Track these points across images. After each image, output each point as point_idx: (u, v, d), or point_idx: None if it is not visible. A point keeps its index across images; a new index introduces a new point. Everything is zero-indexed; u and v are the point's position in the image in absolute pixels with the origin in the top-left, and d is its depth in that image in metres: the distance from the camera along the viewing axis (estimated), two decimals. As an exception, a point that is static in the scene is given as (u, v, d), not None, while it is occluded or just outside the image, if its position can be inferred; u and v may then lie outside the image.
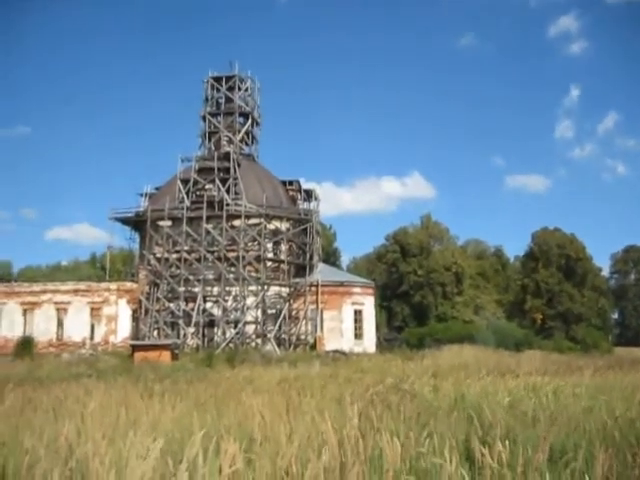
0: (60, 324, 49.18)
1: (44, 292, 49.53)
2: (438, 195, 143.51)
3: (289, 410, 8.39)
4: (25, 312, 49.07)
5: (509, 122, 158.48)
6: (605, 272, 78.21)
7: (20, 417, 8.80)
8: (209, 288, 47.50)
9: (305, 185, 56.86)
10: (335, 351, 42.26)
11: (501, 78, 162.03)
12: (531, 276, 70.95)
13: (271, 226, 49.24)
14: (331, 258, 70.53)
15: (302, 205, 54.73)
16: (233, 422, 7.48)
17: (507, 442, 5.61)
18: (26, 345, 41.69)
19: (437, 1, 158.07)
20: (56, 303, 49.07)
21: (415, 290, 67.66)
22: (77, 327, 48.51)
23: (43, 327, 48.28)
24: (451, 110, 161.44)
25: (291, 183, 55.21)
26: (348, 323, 49.43)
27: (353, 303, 50.04)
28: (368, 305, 51.14)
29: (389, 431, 6.02)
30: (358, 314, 50.11)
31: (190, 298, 47.25)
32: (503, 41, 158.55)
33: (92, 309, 48.98)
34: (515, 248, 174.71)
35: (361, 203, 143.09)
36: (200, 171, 49.44)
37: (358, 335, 49.67)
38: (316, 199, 55.24)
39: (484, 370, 17.14)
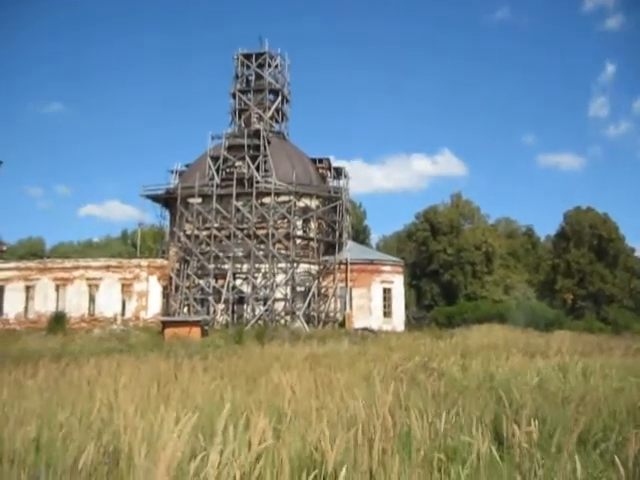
0: (92, 300, 49.83)
1: (76, 268, 50.15)
2: (469, 173, 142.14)
3: (318, 386, 8.45)
4: (58, 288, 49.77)
5: (542, 100, 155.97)
6: (638, 253, 77.04)
7: (54, 391, 8.96)
8: (239, 265, 47.74)
9: (335, 163, 56.68)
10: (364, 329, 42.29)
11: (534, 54, 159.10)
12: (562, 256, 70.19)
13: (301, 204, 49.21)
14: (360, 236, 70.42)
15: (332, 183, 54.57)
16: (263, 398, 7.56)
17: (536, 422, 5.59)
18: (59, 320, 42.36)
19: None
20: (88, 279, 49.68)
21: (445, 269, 67.32)
22: (108, 303, 49.12)
23: (75, 303, 48.95)
24: (483, 87, 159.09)
25: (321, 161, 55.08)
26: (377, 301, 49.46)
27: (382, 281, 50.02)
28: (397, 283, 51.07)
29: (417, 409, 6.03)
30: (387, 292, 50.10)
31: (220, 275, 47.55)
32: (537, 15, 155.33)
33: (123, 285, 49.52)
34: (546, 228, 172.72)
35: (391, 181, 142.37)
36: (230, 148, 49.51)
37: (387, 313, 49.69)
38: (346, 177, 55.12)
39: (513, 350, 17.07)
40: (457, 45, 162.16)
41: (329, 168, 55.00)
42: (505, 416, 6.18)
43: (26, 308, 49.84)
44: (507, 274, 71.26)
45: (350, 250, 50.72)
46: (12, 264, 52.20)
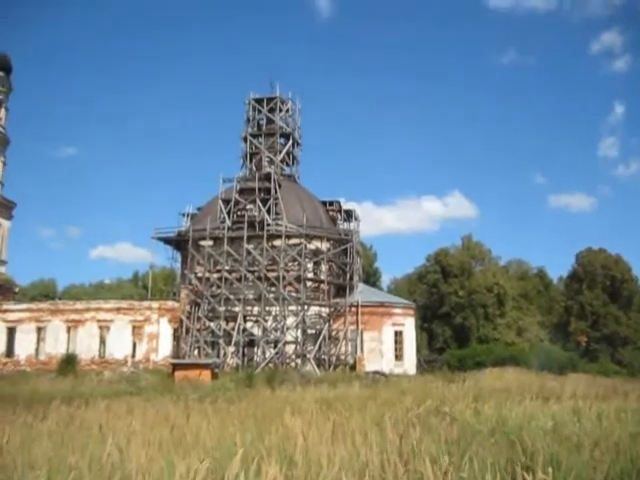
0: (103, 342, 49.80)
1: (87, 310, 50.23)
2: (479, 214, 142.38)
3: (329, 432, 8.37)
4: (69, 329, 49.81)
5: (551, 140, 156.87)
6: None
7: (64, 435, 8.92)
8: (249, 308, 47.68)
9: (345, 205, 56.85)
10: (375, 372, 41.97)
11: (543, 95, 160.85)
12: (575, 298, 69.77)
13: (311, 246, 49.31)
14: (371, 278, 70.31)
15: (342, 225, 54.75)
16: (274, 443, 7.50)
17: (551, 469, 5.52)
18: (69, 362, 42.27)
19: (479, 18, 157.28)
20: (99, 321, 49.72)
21: (456, 311, 66.97)
22: (119, 345, 49.04)
23: (86, 344, 48.91)
24: (492, 128, 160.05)
25: (331, 203, 55.30)
26: (388, 344, 49.15)
27: (393, 324, 49.77)
28: (409, 326, 50.79)
29: (429, 455, 5.97)
30: (398, 335, 49.80)
31: (230, 317, 47.45)
32: (545, 57, 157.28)
33: (134, 327, 49.47)
34: (559, 269, 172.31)
35: (402, 223, 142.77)
36: (241, 191, 49.84)
37: (398, 356, 49.34)
38: (356, 219, 55.27)
39: (527, 393, 16.88)
40: (467, 86, 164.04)
41: (339, 210, 55.17)
42: (519, 462, 6.10)
43: (37, 349, 49.90)
44: (519, 316, 70.75)
45: (361, 292, 50.59)
46: (24, 305, 52.48)
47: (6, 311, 51.12)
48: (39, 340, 50.11)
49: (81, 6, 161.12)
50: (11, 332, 50.46)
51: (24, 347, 49.87)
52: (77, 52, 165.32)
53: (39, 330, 50.17)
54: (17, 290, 62.05)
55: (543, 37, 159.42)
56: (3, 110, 60.68)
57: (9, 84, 61.33)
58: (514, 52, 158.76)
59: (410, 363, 49.44)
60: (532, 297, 76.39)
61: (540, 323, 72.46)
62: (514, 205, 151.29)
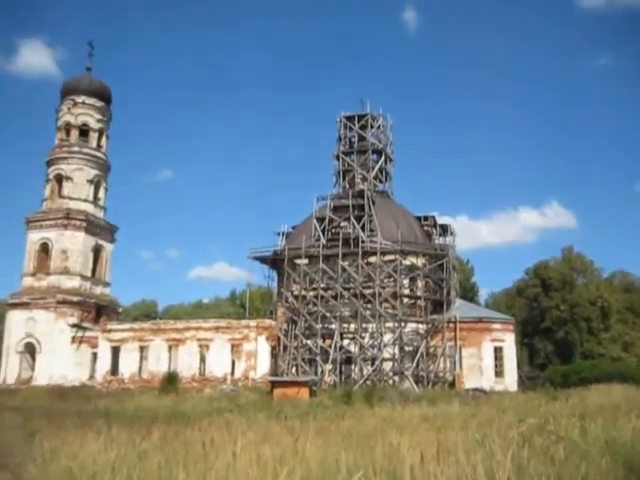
0: (202, 360, 50.86)
1: (188, 329, 51.43)
2: (579, 225, 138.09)
3: (433, 450, 8.17)
4: (170, 348, 51.11)
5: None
6: None
7: (170, 452, 9.07)
8: (346, 325, 47.66)
9: (440, 219, 56.27)
10: (475, 389, 41.14)
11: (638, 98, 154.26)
12: (685, 310, 66.59)
13: (407, 262, 48.94)
14: (469, 293, 69.22)
15: (438, 240, 54.11)
16: (378, 461, 7.38)
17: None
18: (171, 380, 43.33)
19: (572, 22, 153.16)
20: (199, 340, 50.78)
21: (558, 326, 65.08)
22: (218, 363, 49.91)
23: (187, 363, 50.04)
24: (590, 134, 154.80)
25: (426, 218, 54.81)
26: (488, 360, 48.03)
27: (493, 340, 48.64)
28: (508, 342, 49.52)
29: (538, 476, 5.73)
30: (498, 351, 48.61)
31: (327, 335, 47.57)
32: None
33: (233, 346, 50.22)
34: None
35: (498, 236, 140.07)
36: (335, 209, 50.06)
37: (498, 373, 48.14)
38: (452, 233, 54.55)
39: (637, 411, 16.08)
40: (561, 94, 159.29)
41: (434, 225, 54.60)
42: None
43: (140, 368, 51.50)
44: (625, 330, 68.07)
45: (458, 308, 49.76)
46: (127, 325, 54.46)
47: (110, 331, 53.05)
48: (142, 358, 51.73)
49: (174, 29, 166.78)
50: (115, 351, 52.28)
51: (128, 365, 51.56)
52: (172, 74, 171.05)
53: (142, 349, 51.79)
54: (120, 310, 64.44)
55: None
56: (104, 138, 63.35)
57: (109, 113, 63.99)
58: (609, 56, 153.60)
59: (511, 380, 48.12)
60: (638, 310, 73.28)
61: (648, 337, 69.40)
62: (616, 214, 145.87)
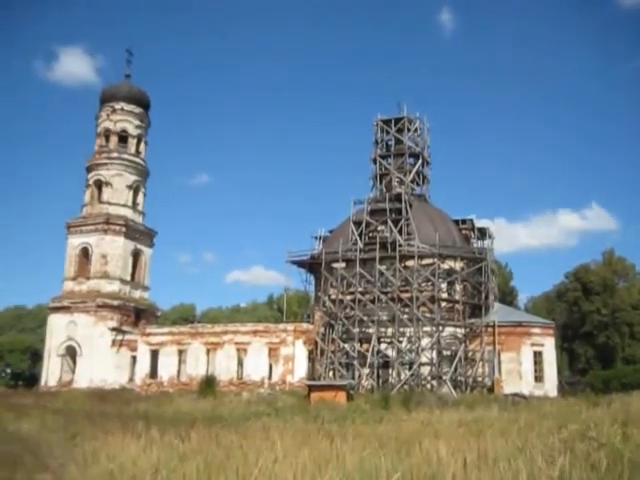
0: (240, 363, 51.08)
1: (225, 333, 51.70)
2: (621, 227, 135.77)
3: (474, 456, 8.06)
4: (208, 352, 51.44)
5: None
6: None
7: (208, 455, 9.09)
8: (383, 329, 47.47)
9: (478, 223, 55.60)
10: (514, 394, 40.57)
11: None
12: None
13: (445, 266, 48.59)
14: (507, 297, 68.43)
15: (476, 243, 53.56)
16: (416, 466, 7.29)
17: None
18: (209, 383, 43.55)
19: (614, 21, 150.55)
20: (236, 343, 51.00)
21: (599, 330, 64.04)
22: (256, 367, 50.06)
23: (225, 366, 50.31)
24: (630, 134, 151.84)
25: (464, 222, 54.33)
26: (527, 365, 47.40)
27: (532, 344, 47.99)
28: (548, 346, 48.82)
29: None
30: (538, 356, 47.95)
31: (364, 339, 47.43)
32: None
33: (270, 349, 50.33)
34: None
35: (537, 239, 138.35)
36: (372, 213, 49.92)
37: (538, 378, 47.46)
38: (490, 237, 53.97)
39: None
40: (600, 94, 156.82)
41: (472, 229, 54.07)
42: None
43: (179, 371, 51.94)
44: (668, 335, 66.70)
45: (497, 312, 49.25)
46: (166, 329, 54.93)
47: (150, 334, 53.63)
48: (180, 362, 52.14)
49: (212, 36, 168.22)
50: (154, 355, 52.82)
51: (166, 369, 52.05)
52: (211, 79, 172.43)
53: (180, 352, 52.21)
54: (159, 314, 65.09)
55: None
56: (143, 144, 64.11)
57: (148, 119, 64.72)
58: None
59: (551, 385, 47.41)
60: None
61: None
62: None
